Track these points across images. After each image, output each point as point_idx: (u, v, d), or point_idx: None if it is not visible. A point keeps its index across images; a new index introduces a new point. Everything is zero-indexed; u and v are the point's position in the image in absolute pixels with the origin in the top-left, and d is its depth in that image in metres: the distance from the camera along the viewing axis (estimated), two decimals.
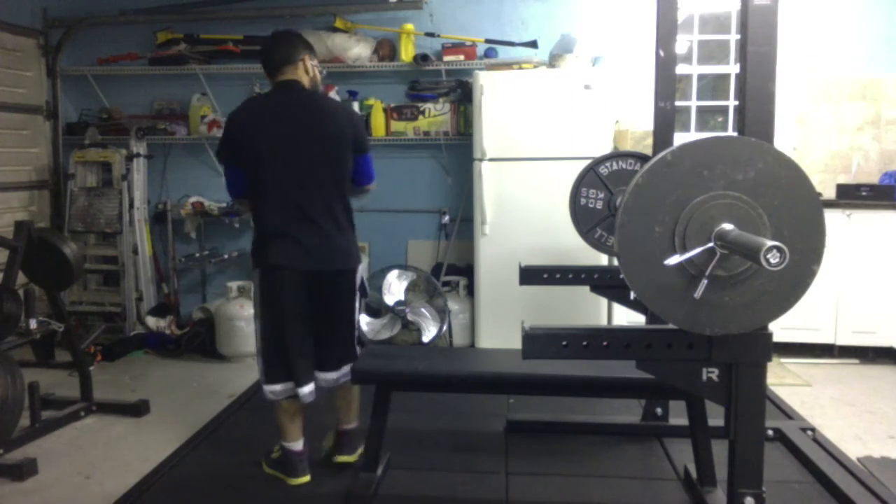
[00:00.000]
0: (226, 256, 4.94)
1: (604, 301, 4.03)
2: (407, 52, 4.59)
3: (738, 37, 1.91)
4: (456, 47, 4.59)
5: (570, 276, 3.03)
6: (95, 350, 4.32)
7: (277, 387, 2.55)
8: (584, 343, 1.88)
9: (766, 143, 1.68)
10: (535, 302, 3.96)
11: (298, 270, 2.48)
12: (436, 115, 4.66)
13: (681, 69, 4.62)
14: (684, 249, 1.63)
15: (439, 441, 3.03)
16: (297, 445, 2.63)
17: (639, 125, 4.55)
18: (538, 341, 1.89)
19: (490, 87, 4.07)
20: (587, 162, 3.03)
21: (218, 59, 4.87)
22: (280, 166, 2.44)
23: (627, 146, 4.49)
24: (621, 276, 1.71)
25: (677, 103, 3.57)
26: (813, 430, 3.03)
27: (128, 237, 4.72)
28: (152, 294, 4.95)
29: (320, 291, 2.55)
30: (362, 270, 2.71)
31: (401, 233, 4.91)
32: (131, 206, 4.75)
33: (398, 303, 4.19)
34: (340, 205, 2.54)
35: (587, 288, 3.09)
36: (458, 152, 4.74)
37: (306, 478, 2.62)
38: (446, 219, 4.83)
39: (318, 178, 2.48)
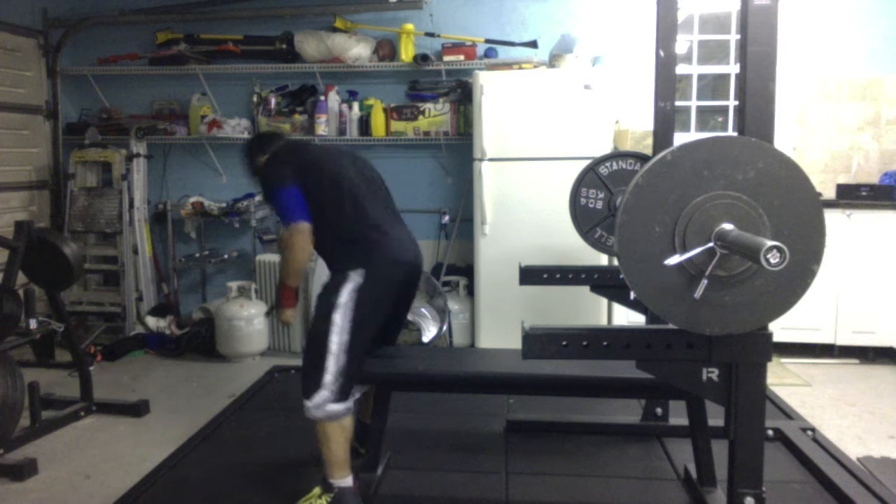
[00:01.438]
0: (226, 256, 4.94)
1: (604, 301, 4.03)
2: (407, 52, 4.59)
3: (738, 37, 1.91)
4: (456, 47, 4.59)
5: (570, 276, 3.02)
6: (95, 350, 4.32)
7: (347, 404, 2.34)
8: (584, 343, 1.88)
9: (766, 143, 1.68)
10: (535, 302, 3.96)
11: (410, 263, 2.51)
12: (436, 115, 4.66)
13: (681, 69, 4.63)
14: (684, 249, 1.63)
15: (439, 441, 3.03)
16: (351, 478, 2.37)
17: (639, 125, 4.55)
18: (538, 341, 1.89)
19: (490, 87, 4.07)
20: (587, 162, 3.03)
21: (218, 59, 4.87)
22: (362, 184, 2.54)
23: (627, 146, 4.49)
24: (621, 276, 1.71)
25: (677, 103, 3.57)
26: (813, 430, 3.02)
27: (128, 237, 4.72)
28: (152, 294, 4.95)
29: (408, 289, 2.59)
30: None
31: None
32: (131, 206, 4.75)
33: None
34: None
35: (587, 288, 3.09)
36: (458, 152, 4.74)
37: None
38: (446, 219, 4.83)
39: (389, 199, 2.66)
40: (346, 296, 2.34)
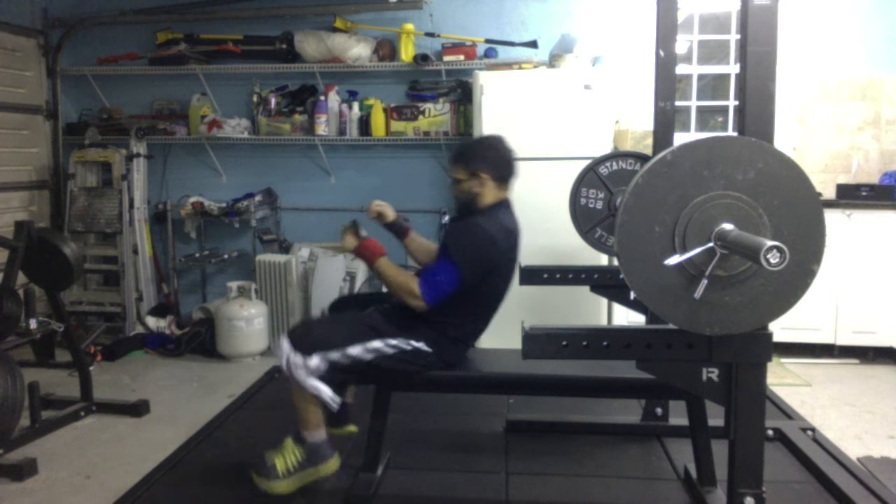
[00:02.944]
0: (226, 256, 4.94)
1: (604, 301, 4.03)
2: (407, 52, 4.59)
3: (738, 37, 1.91)
4: (456, 47, 4.59)
5: (570, 276, 3.03)
6: (95, 350, 4.32)
7: (324, 389, 2.32)
8: (584, 343, 1.88)
9: (766, 143, 1.68)
10: (535, 302, 3.94)
11: None
12: (436, 115, 4.66)
13: (681, 69, 4.62)
14: (684, 249, 1.63)
15: (439, 441, 3.03)
16: (324, 431, 2.41)
17: (639, 125, 4.55)
18: (538, 341, 1.89)
19: (490, 87, 4.06)
20: (587, 162, 3.03)
21: (218, 59, 4.87)
22: (500, 300, 2.62)
23: (627, 146, 4.49)
24: (621, 276, 1.71)
25: (677, 103, 3.57)
26: (813, 430, 3.02)
27: (128, 237, 4.72)
28: (152, 294, 4.95)
29: None
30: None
31: None
32: (131, 206, 4.74)
33: None
34: None
35: (587, 288, 3.09)
36: None
37: (338, 458, 2.42)
38: (446, 219, 4.82)
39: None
40: (404, 343, 2.39)
